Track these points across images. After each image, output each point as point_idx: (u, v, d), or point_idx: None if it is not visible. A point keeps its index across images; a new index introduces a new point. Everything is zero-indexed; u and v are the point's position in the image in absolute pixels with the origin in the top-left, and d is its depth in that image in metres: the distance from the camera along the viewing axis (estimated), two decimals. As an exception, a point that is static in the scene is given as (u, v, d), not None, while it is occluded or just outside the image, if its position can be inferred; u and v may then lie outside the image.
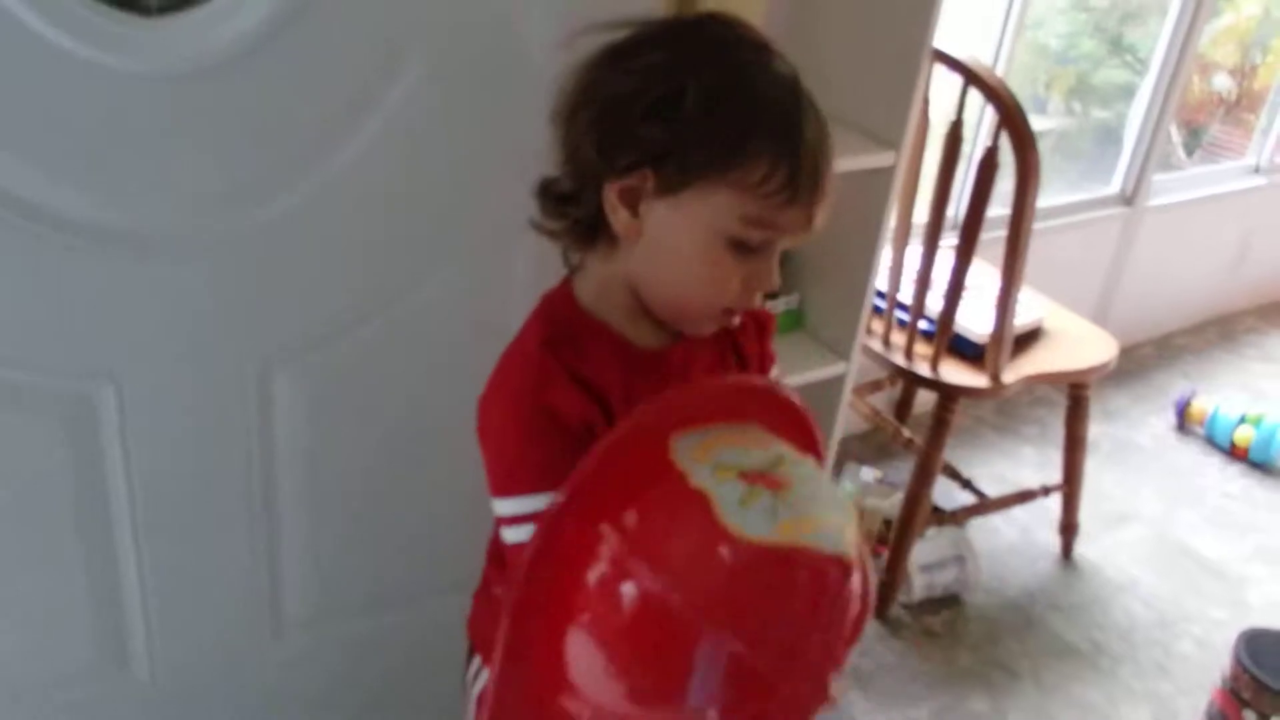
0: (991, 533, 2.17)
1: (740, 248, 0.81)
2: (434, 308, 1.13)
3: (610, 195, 0.80)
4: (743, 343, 0.95)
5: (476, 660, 1.00)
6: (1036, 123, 1.71)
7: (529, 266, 1.02)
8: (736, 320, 0.87)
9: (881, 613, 1.92)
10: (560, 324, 0.85)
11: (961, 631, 1.92)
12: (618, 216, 0.81)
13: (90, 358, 1.05)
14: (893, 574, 1.90)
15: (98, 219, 0.98)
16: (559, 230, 0.85)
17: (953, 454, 2.33)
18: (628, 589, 0.69)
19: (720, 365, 0.92)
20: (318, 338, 1.14)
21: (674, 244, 0.81)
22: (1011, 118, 1.60)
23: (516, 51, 1.07)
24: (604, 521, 0.72)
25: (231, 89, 0.97)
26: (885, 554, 1.93)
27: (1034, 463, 2.40)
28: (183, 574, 1.20)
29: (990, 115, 1.65)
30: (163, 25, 0.92)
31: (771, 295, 0.94)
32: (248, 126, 0.99)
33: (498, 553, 0.94)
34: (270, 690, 1.33)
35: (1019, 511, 2.19)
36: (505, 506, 0.82)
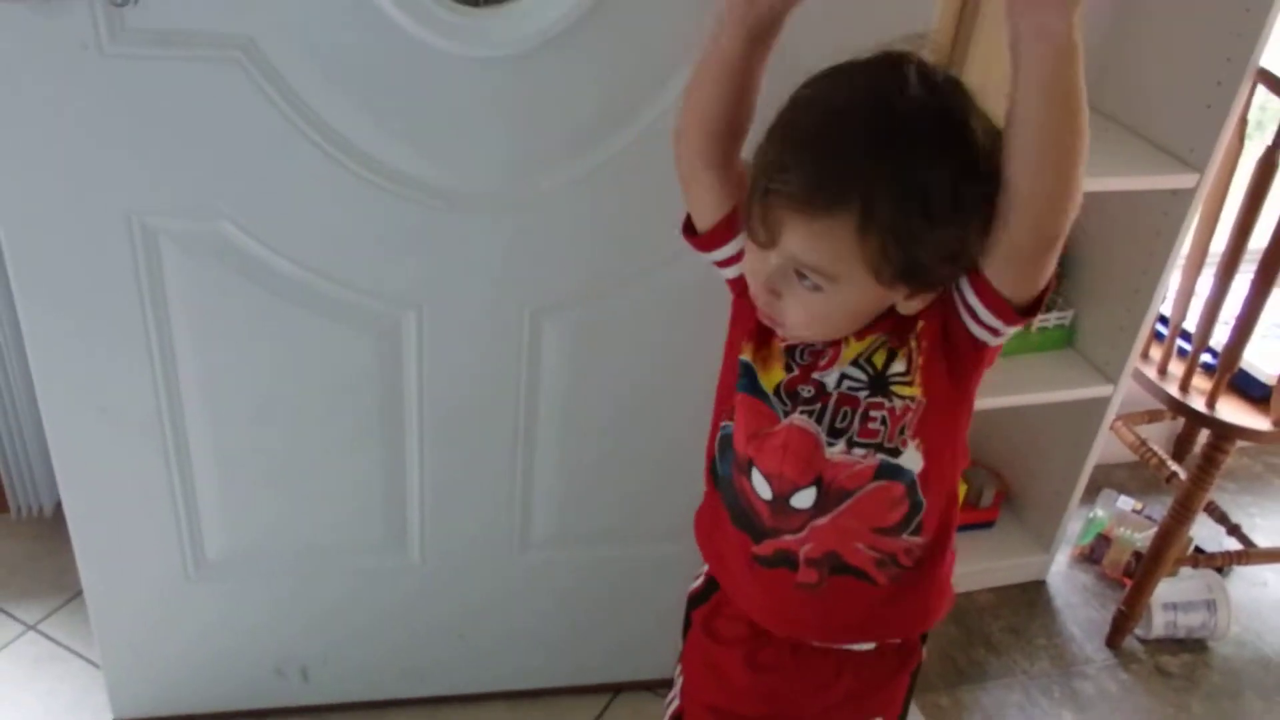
0: (1259, 586, 2.02)
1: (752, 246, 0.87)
2: (683, 284, 1.23)
3: None
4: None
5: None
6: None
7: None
8: (781, 332, 0.91)
9: (1115, 642, 1.87)
10: None
11: (1200, 678, 1.83)
12: None
13: (401, 287, 1.24)
14: (1132, 606, 1.84)
15: (424, 175, 1.16)
16: None
17: (1234, 500, 2.20)
18: None
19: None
20: (582, 296, 1.28)
21: None
22: (1333, 150, 1.47)
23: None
24: None
25: (536, 72, 1.11)
26: (1129, 586, 1.86)
27: (1327, 522, 2.20)
28: (454, 479, 1.40)
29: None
30: (486, 15, 1.08)
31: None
32: (547, 105, 1.14)
33: (711, 472, 1.06)
34: (512, 591, 1.52)
35: (1297, 570, 2.04)
36: None
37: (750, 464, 0.99)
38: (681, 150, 0.97)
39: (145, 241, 1.17)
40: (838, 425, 0.93)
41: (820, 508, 0.97)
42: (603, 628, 1.59)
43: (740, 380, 0.98)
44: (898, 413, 0.93)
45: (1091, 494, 2.07)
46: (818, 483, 0.96)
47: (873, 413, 0.93)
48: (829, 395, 0.93)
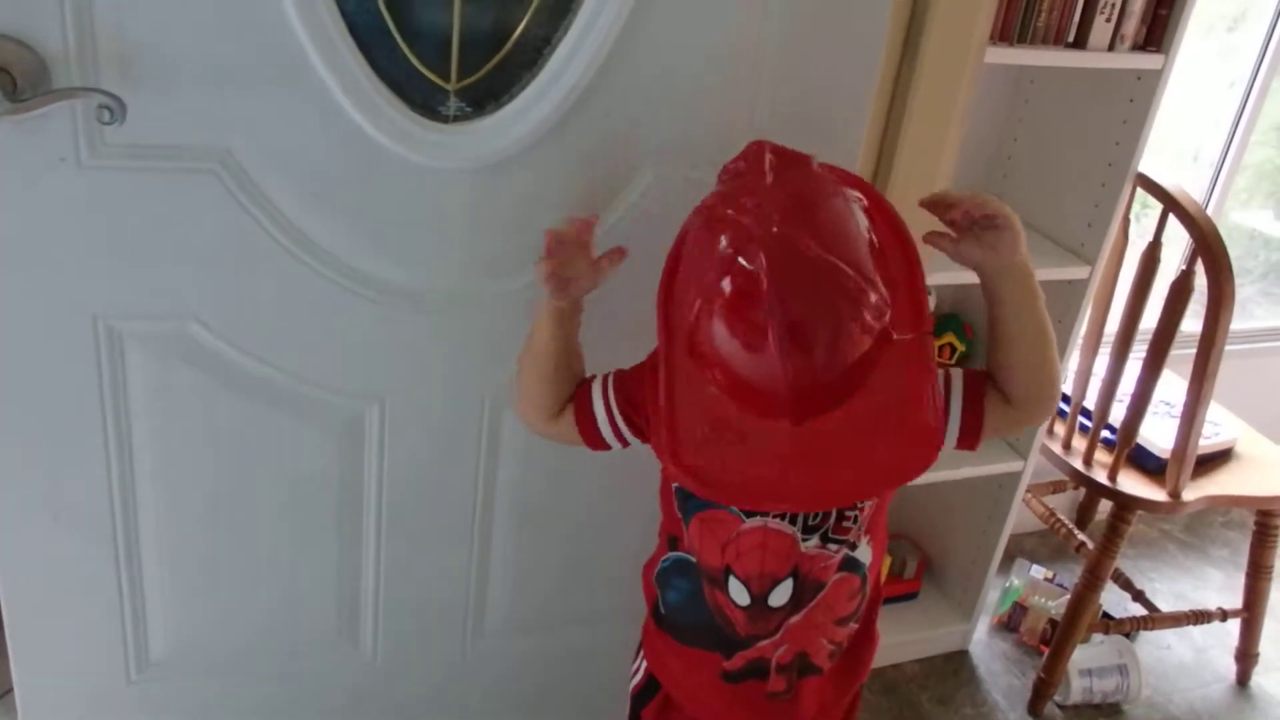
0: (1164, 649, 2.15)
1: None
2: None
3: None
4: None
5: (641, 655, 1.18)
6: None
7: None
8: None
9: (1036, 709, 1.96)
10: None
11: (1117, 741, 1.93)
12: None
13: (366, 383, 1.29)
14: (1051, 673, 1.93)
15: (392, 278, 1.22)
16: None
17: (1135, 566, 2.34)
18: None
19: None
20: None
21: None
22: (1208, 245, 1.63)
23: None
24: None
25: (501, 183, 1.19)
26: (1046, 653, 1.96)
27: (1218, 585, 2.35)
28: (409, 569, 1.42)
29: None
30: (453, 131, 1.15)
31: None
32: (510, 213, 1.22)
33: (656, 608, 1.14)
34: (463, 681, 1.54)
35: (1197, 632, 2.16)
36: None
37: (727, 573, 1.05)
38: (528, 420, 1.15)
39: (110, 342, 1.18)
40: (810, 523, 1.02)
41: (796, 603, 1.04)
42: (555, 714, 1.61)
43: (691, 500, 1.05)
44: (866, 512, 1.03)
45: (1007, 563, 2.18)
46: (794, 574, 1.03)
47: (848, 512, 1.02)
48: None
